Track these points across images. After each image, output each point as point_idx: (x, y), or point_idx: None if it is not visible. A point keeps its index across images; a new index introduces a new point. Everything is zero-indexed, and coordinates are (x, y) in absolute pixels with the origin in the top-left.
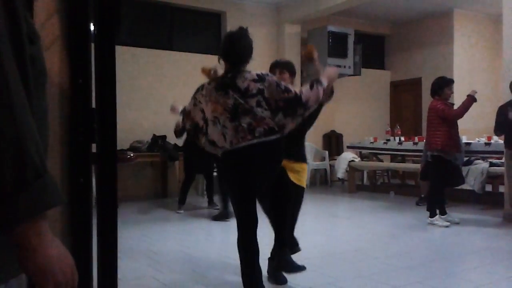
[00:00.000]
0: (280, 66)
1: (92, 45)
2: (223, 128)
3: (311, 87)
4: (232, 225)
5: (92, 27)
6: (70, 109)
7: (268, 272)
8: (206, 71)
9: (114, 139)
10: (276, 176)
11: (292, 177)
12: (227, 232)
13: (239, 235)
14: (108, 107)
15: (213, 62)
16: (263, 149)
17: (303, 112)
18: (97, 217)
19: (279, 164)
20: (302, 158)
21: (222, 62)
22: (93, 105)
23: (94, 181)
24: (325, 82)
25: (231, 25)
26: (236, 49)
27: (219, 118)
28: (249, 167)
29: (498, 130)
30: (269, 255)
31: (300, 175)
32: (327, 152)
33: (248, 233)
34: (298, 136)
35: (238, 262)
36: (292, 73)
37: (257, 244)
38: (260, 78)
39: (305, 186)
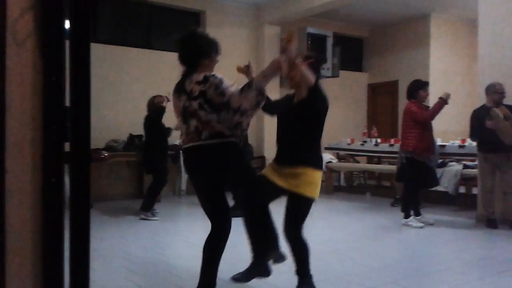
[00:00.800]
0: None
1: (67, 42)
2: (181, 128)
3: (242, 90)
4: (208, 226)
5: (67, 24)
6: (42, 107)
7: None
8: (240, 69)
9: (88, 138)
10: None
11: (283, 183)
12: (203, 234)
13: None
14: (82, 106)
15: None
16: (208, 152)
17: (239, 118)
18: (69, 218)
19: (230, 168)
20: (300, 161)
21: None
22: (67, 104)
23: (67, 181)
24: (259, 82)
25: (210, 25)
26: (185, 52)
27: (179, 119)
28: (194, 168)
29: (473, 136)
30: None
31: (298, 180)
32: None
33: (210, 232)
34: (295, 140)
35: None
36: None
37: (210, 245)
38: (204, 79)
39: (304, 193)
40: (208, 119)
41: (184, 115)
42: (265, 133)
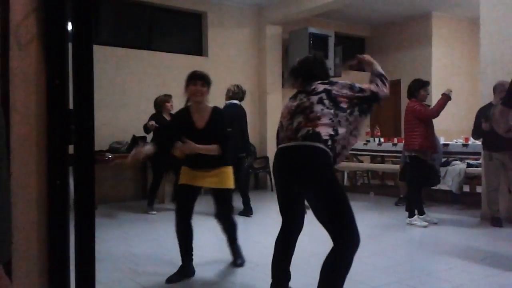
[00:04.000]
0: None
1: (70, 44)
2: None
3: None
4: (210, 225)
5: (69, 27)
6: (46, 110)
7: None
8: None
9: (92, 140)
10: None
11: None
12: (207, 235)
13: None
14: (86, 108)
15: (193, 62)
16: (301, 153)
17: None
18: (74, 219)
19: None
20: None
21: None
22: (71, 106)
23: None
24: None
25: (211, 25)
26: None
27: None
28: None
29: (475, 134)
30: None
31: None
32: None
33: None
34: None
35: (218, 263)
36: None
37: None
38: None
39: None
40: (318, 115)
41: (293, 112)
42: (268, 133)
